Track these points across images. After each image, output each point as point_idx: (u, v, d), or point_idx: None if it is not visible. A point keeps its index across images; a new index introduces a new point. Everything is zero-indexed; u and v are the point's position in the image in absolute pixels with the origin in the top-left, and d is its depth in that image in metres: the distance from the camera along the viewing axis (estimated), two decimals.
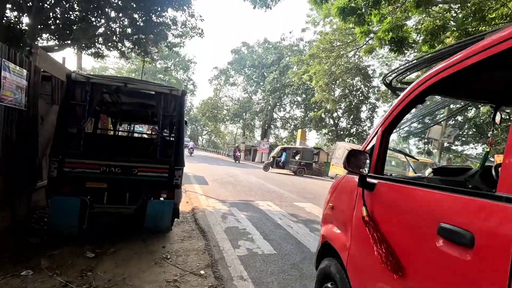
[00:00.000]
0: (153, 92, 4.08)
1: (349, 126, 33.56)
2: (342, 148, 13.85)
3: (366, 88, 30.16)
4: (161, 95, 3.95)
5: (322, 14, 21.11)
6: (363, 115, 33.30)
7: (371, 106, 32.56)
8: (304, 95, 32.98)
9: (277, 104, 35.65)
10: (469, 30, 7.53)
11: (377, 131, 1.66)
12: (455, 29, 7.78)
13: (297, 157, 19.26)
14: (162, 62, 37.80)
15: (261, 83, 36.99)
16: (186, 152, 31.02)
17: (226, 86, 45.50)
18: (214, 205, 6.44)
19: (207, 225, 4.84)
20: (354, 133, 32.57)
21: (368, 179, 1.56)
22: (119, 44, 9.78)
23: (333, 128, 33.77)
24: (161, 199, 3.99)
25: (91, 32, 8.95)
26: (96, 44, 10.22)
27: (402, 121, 1.71)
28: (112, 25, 9.67)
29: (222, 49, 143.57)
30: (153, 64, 12.53)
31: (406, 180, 1.40)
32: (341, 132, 33.57)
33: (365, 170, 1.65)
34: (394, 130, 1.71)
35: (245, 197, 7.82)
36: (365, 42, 12.25)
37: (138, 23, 9.35)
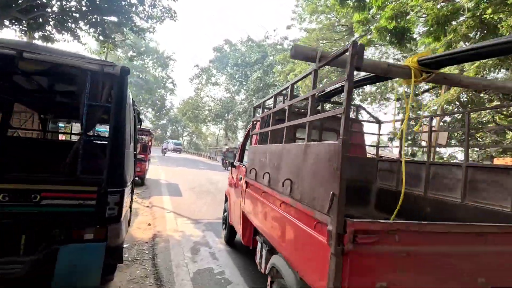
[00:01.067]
0: (73, 68, 2.54)
1: None
2: None
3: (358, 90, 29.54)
4: (85, 74, 2.46)
5: (308, 9, 20.15)
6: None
7: (355, 108, 32.05)
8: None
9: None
10: (484, 18, 6.55)
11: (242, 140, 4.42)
12: (467, 17, 6.78)
13: None
14: (138, 58, 35.39)
15: (244, 83, 35.59)
16: (163, 152, 29.81)
17: (207, 85, 43.74)
18: (185, 228, 4.95)
19: (168, 268, 3.36)
20: None
21: (234, 163, 4.22)
22: (73, 26, 8.03)
23: None
24: (85, 241, 2.47)
25: (37, 11, 7.21)
26: (45, 25, 8.38)
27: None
28: (64, 2, 7.92)
29: (204, 47, 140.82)
30: (115, 50, 10.72)
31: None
32: None
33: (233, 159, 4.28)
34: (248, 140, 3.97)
35: None
36: (360, 35, 11.17)
37: (95, 1, 7.67)
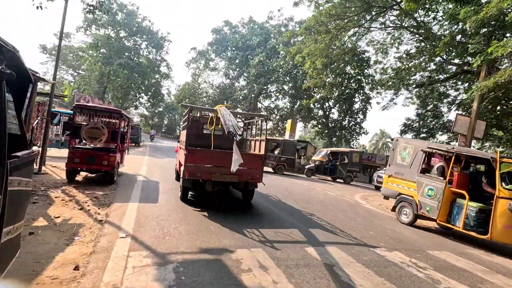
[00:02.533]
0: None
1: (340, 118, 30.61)
2: (412, 147, 6.93)
3: (360, 77, 27.09)
4: None
5: None
6: (355, 106, 30.41)
7: (364, 97, 29.69)
8: (292, 83, 29.39)
9: (262, 92, 31.90)
10: None
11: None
12: None
13: (276, 152, 16.13)
14: (130, 39, 32.60)
15: (245, 68, 33.04)
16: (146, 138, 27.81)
17: (206, 71, 41.07)
18: (136, 282, 2.74)
19: None
20: (347, 125, 29.66)
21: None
22: None
23: (323, 119, 30.68)
24: None
25: None
26: None
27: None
28: None
29: (202, 28, 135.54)
30: (96, 14, 8.50)
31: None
32: (332, 125, 30.59)
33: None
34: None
35: (215, 236, 4.19)
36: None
37: None
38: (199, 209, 5.55)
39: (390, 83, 17.22)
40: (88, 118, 7.91)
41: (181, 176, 5.80)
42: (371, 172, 28.02)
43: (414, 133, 24.10)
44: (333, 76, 18.80)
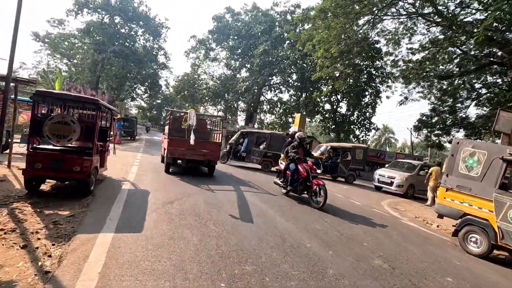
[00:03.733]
0: None
1: (349, 112, 28.82)
2: (484, 153, 5.12)
3: (371, 69, 25.19)
4: None
5: None
6: (365, 100, 28.58)
7: (372, 90, 27.83)
8: (299, 74, 27.44)
9: (266, 83, 29.97)
10: None
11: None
12: None
13: (261, 146, 14.23)
14: (125, 26, 30.41)
15: (248, 58, 31.05)
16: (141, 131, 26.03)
17: (206, 61, 38.99)
18: None
19: None
20: (356, 121, 27.90)
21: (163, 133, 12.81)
22: None
23: (331, 114, 28.88)
24: None
25: None
26: None
27: None
28: None
29: (202, 15, 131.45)
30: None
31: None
32: (340, 119, 28.83)
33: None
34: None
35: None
36: None
37: None
38: (179, 178, 8.31)
39: (411, 75, 15.38)
40: (61, 110, 6.17)
41: (165, 156, 8.96)
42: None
43: (429, 129, 22.47)
44: (346, 66, 16.89)
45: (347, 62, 16.28)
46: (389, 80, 24.48)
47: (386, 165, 14.90)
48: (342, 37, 15.17)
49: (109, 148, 7.35)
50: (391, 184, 12.60)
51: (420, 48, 15.54)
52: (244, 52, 31.30)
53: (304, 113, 31.71)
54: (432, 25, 16.31)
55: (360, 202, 9.17)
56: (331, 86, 20.21)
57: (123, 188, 6.35)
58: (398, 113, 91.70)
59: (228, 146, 15.09)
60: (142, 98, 42.19)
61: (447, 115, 20.57)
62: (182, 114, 10.46)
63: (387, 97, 75.99)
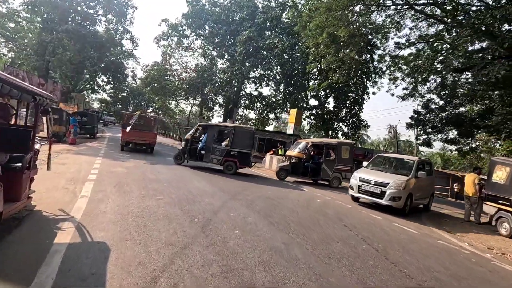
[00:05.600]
0: None
1: (336, 109, 27.10)
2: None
3: (368, 63, 23.49)
4: None
5: None
6: (353, 96, 27.00)
7: (356, 87, 26.25)
8: (288, 65, 24.96)
9: (250, 74, 27.13)
10: None
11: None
12: None
13: (224, 143, 11.25)
14: (82, 3, 25.58)
15: (228, 46, 27.96)
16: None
17: (179, 50, 35.12)
18: None
19: None
20: (344, 118, 26.24)
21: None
22: None
23: (319, 111, 26.92)
24: None
25: None
26: None
27: None
28: None
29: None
30: None
31: None
32: (327, 116, 27.00)
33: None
34: None
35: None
36: None
37: None
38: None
39: (425, 65, 13.60)
40: None
41: (121, 140, 13.61)
42: None
43: (421, 127, 21.38)
44: (348, 55, 14.68)
45: (352, 48, 14.06)
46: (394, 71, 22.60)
47: (364, 163, 10.11)
48: (349, 17, 12.90)
49: (36, 162, 4.20)
50: (381, 195, 8.02)
51: (437, 35, 13.78)
52: (224, 40, 28.16)
53: (286, 109, 29.63)
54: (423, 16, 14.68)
55: (415, 230, 6.89)
56: (327, 79, 18.07)
57: (57, 243, 3.29)
58: (368, 111, 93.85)
59: (183, 143, 12.17)
60: (104, 90, 37.05)
61: (441, 113, 19.55)
62: (131, 115, 14.63)
63: (373, 93, 76.61)
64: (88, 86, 33.85)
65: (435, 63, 13.73)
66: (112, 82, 31.96)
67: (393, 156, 11.61)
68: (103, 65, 27.02)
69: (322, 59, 15.30)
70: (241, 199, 6.80)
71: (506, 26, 11.92)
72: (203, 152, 11.34)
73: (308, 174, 12.12)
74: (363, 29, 13.97)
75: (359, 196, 8.80)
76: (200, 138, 11.87)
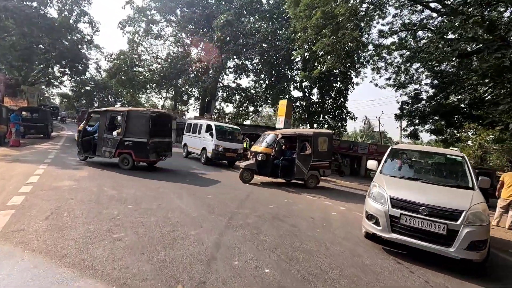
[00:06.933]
0: None
1: (321, 100, 25.70)
2: None
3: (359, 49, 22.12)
4: None
5: None
6: (336, 85, 25.74)
7: (343, 76, 25.05)
8: (271, 52, 22.94)
9: (229, 64, 24.80)
10: None
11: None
12: None
13: (115, 132, 9.24)
14: None
15: (204, 32, 25.34)
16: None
17: (148, 39, 31.71)
18: None
19: None
20: (331, 109, 24.92)
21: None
22: None
23: (303, 102, 25.35)
24: None
25: None
26: None
27: None
28: None
29: None
30: None
31: None
32: (312, 108, 25.53)
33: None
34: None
35: None
36: None
37: None
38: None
39: (436, 52, 12.26)
40: None
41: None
42: (356, 163, 24.01)
43: (409, 118, 20.68)
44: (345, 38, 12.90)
45: (353, 27, 12.30)
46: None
47: (372, 162, 5.77)
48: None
49: None
50: (446, 237, 3.87)
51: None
52: (199, 26, 25.49)
53: (270, 102, 27.83)
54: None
55: None
56: (318, 65, 16.43)
57: None
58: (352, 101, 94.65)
59: (76, 135, 10.37)
60: (62, 82, 32.68)
61: (430, 101, 18.88)
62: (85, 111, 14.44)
63: (357, 84, 76.94)
64: (42, 78, 29.49)
65: (444, 46, 12.41)
66: (69, 73, 27.95)
67: (424, 149, 6.45)
68: (56, 52, 23.19)
69: (316, 44, 13.47)
70: (241, 225, 4.79)
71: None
72: (94, 143, 9.45)
73: (278, 173, 9.72)
74: (363, 5, 12.32)
75: (393, 238, 4.17)
76: (90, 129, 9.90)
